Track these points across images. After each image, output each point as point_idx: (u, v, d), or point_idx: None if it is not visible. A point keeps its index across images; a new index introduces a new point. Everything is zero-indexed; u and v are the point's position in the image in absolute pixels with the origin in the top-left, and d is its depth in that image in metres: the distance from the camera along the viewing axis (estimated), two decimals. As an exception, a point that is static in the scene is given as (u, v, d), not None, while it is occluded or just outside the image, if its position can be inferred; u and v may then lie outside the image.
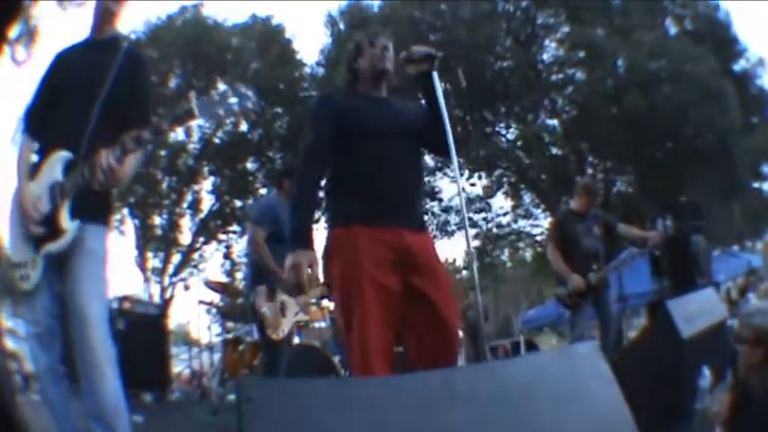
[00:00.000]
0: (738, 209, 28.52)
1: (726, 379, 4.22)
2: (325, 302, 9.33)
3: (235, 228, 32.23)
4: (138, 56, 4.16)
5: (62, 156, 3.72)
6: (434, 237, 31.14)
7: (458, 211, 31.96)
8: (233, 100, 3.48)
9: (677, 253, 10.63)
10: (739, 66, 28.83)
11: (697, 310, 5.40)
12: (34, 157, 3.91)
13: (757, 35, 70.01)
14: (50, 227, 3.66)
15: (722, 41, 27.87)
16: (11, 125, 4.18)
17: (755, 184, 29.82)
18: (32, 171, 3.83)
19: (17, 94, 4.10)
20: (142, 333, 7.98)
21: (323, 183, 4.21)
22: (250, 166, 32.17)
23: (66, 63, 4.02)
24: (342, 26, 30.31)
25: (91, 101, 3.75)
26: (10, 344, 6.11)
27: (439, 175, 31.59)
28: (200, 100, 3.50)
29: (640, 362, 4.76)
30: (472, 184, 30.68)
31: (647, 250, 9.46)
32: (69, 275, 3.70)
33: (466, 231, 4.86)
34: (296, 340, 8.16)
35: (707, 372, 4.48)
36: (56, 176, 3.70)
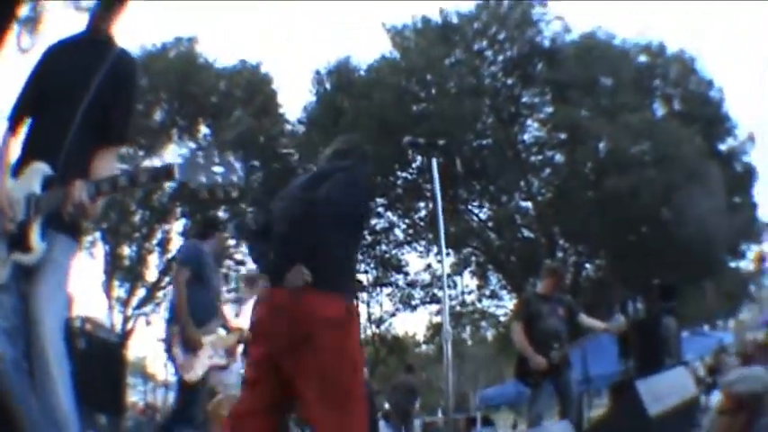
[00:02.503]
0: (711, 289, 28.70)
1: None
2: None
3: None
4: (129, 63, 4.01)
5: (42, 169, 3.61)
6: (397, 309, 31.26)
7: (423, 286, 32.12)
8: (218, 169, 3.34)
9: (646, 335, 10.66)
10: (726, 144, 29.22)
11: (667, 389, 5.39)
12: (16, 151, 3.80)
13: (749, 108, 71.89)
14: (22, 236, 3.54)
15: (712, 120, 28.29)
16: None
17: (733, 263, 30.13)
18: (14, 170, 3.72)
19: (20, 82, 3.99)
20: (101, 357, 7.90)
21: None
22: (221, 214, 32.07)
23: (55, 59, 3.91)
24: (328, 86, 30.52)
25: (74, 106, 3.67)
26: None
27: (407, 248, 31.71)
28: (183, 162, 3.40)
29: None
30: (439, 261, 30.63)
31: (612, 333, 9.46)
32: (32, 283, 3.58)
33: (445, 310, 4.99)
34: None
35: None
36: (34, 188, 3.59)
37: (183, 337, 6.78)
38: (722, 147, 28.99)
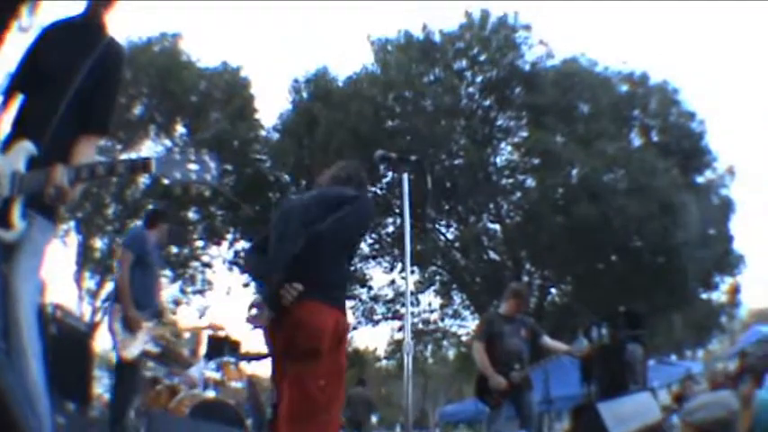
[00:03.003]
0: (680, 319, 28.92)
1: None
2: (243, 364, 9.45)
3: (167, 273, 31.88)
4: (117, 53, 4.06)
5: (27, 148, 3.65)
6: (359, 323, 31.23)
7: (386, 302, 32.10)
8: (193, 167, 3.44)
9: (608, 360, 10.75)
10: (704, 177, 29.50)
11: (630, 412, 5.46)
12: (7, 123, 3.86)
13: (731, 141, 73.03)
14: (3, 212, 3.57)
15: (691, 152, 28.54)
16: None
17: (704, 295, 30.31)
18: (4, 146, 3.75)
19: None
20: (71, 344, 7.90)
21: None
22: (191, 215, 31.93)
23: (49, 40, 3.96)
24: (305, 95, 30.47)
25: (62, 90, 3.72)
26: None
27: (372, 263, 31.69)
28: (160, 157, 3.51)
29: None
30: (403, 277, 30.62)
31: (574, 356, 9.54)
32: (9, 260, 3.61)
33: (407, 323, 5.06)
34: (211, 394, 8.29)
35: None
36: (19, 166, 3.62)
37: (123, 315, 7.12)
38: (700, 179, 29.32)
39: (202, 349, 10.56)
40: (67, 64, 3.78)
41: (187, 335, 11.03)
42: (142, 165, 3.55)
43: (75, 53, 3.81)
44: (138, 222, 13.32)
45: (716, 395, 5.32)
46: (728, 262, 29.19)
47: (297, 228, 4.32)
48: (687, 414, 4.24)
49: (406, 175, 4.73)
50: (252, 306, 4.41)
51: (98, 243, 32.04)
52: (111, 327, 7.25)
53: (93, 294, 31.40)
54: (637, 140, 29.04)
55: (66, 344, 7.67)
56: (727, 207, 29.20)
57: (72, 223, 30.03)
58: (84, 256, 30.77)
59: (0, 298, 3.62)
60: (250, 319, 4.39)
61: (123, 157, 30.01)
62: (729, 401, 4.40)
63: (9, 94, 3.91)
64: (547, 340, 8.95)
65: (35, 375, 3.54)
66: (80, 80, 3.74)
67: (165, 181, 3.55)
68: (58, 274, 29.21)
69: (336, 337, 4.39)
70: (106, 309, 29.99)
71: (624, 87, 29.38)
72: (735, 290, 29.76)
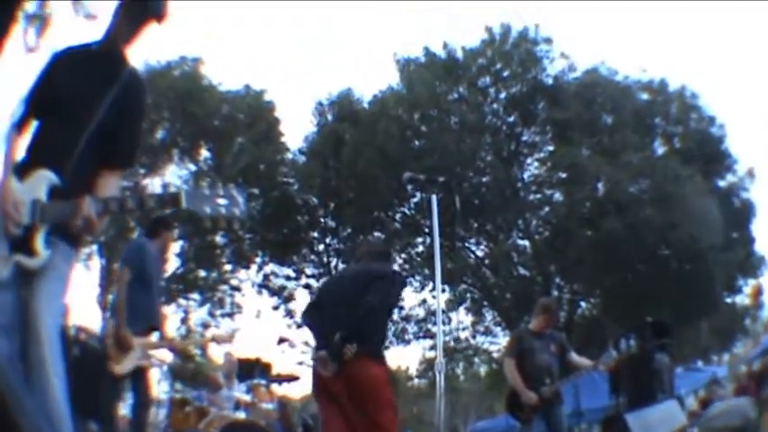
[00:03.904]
0: (706, 326, 28.66)
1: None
2: (274, 386, 9.51)
3: (195, 296, 31.97)
4: (140, 84, 4.03)
5: (49, 177, 3.63)
6: (390, 343, 31.18)
7: (417, 321, 32.05)
8: (222, 201, 3.48)
9: (637, 370, 10.70)
10: (726, 181, 29.31)
11: (657, 420, 5.45)
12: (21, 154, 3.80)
13: (750, 144, 72.24)
14: (25, 240, 3.57)
15: (712, 157, 28.40)
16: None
17: (728, 299, 30.00)
18: (19, 171, 3.71)
19: (25, 80, 4.00)
20: (94, 365, 7.95)
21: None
22: (219, 239, 31.97)
23: (67, 67, 3.90)
24: (329, 117, 30.60)
25: (83, 122, 3.69)
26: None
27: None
28: (189, 191, 3.53)
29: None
30: (434, 297, 30.55)
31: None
32: (32, 286, 3.60)
33: (439, 341, 5.13)
34: (241, 416, 8.52)
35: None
36: (39, 194, 3.60)
37: (115, 333, 7.10)
38: (722, 183, 29.10)
39: (235, 373, 10.65)
40: (88, 94, 3.74)
41: (221, 360, 11.12)
42: (172, 199, 3.54)
43: (97, 84, 3.77)
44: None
45: (732, 403, 5.31)
46: (751, 264, 29.06)
47: (372, 307, 5.39)
48: (707, 420, 4.25)
49: (434, 197, 4.79)
50: (319, 358, 5.56)
51: (122, 267, 32.09)
52: (105, 340, 7.32)
53: (118, 317, 31.45)
54: (660, 149, 28.92)
55: (89, 365, 7.75)
56: (748, 210, 29.04)
57: (95, 247, 30.07)
58: (108, 280, 30.88)
59: (19, 322, 3.66)
60: (319, 365, 5.53)
61: (147, 181, 30.34)
62: (746, 409, 4.40)
63: (24, 119, 3.86)
64: (574, 356, 8.94)
65: (57, 395, 3.53)
66: (101, 116, 3.70)
67: (195, 212, 3.57)
68: (82, 296, 29.37)
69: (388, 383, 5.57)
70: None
71: (644, 96, 29.26)
72: (758, 292, 29.53)
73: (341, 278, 6.28)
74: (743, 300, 30.70)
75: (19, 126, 3.86)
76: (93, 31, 4.01)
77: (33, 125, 3.86)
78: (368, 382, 5.44)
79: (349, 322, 5.44)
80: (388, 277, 5.72)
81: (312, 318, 6.07)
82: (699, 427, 4.78)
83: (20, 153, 3.81)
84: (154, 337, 7.52)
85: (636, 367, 10.69)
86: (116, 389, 7.43)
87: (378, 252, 6.32)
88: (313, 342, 5.93)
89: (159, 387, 11.60)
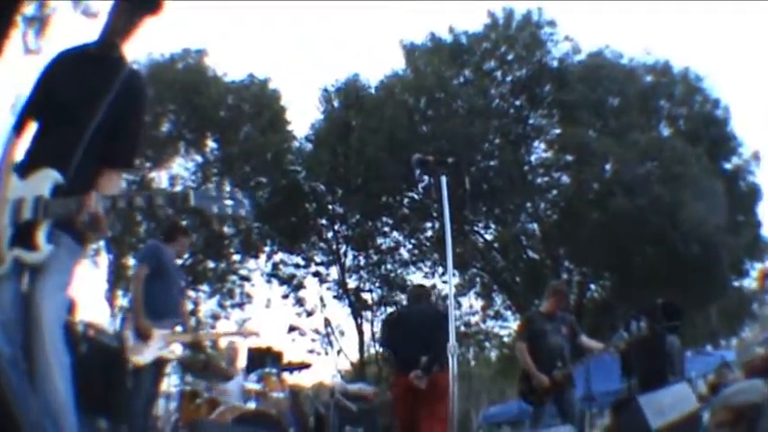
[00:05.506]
0: (715, 310, 28.62)
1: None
2: (285, 374, 9.53)
3: (204, 288, 32.01)
4: (139, 83, 4.03)
5: (54, 176, 3.64)
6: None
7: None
8: (228, 202, 3.55)
9: (648, 352, 10.69)
10: (731, 163, 29.23)
11: (669, 403, 5.43)
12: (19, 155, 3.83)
13: (755, 126, 71.74)
14: (27, 236, 3.58)
15: (717, 139, 28.35)
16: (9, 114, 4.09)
17: (736, 283, 29.91)
18: (20, 171, 3.74)
19: (24, 82, 3.99)
20: (103, 361, 7.98)
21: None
22: (227, 230, 31.95)
23: (65, 69, 3.92)
24: (336, 103, 30.57)
25: (82, 123, 3.70)
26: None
27: (412, 269, 31.65)
28: (197, 191, 3.58)
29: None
30: (444, 281, 30.51)
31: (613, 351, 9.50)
32: (34, 281, 3.62)
33: (451, 325, 5.10)
34: (251, 406, 8.36)
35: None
36: (43, 192, 3.61)
37: (135, 325, 7.20)
38: (727, 165, 29.02)
39: (240, 361, 10.65)
40: (88, 97, 3.74)
41: (223, 346, 11.12)
42: (181, 197, 3.61)
43: (96, 86, 3.77)
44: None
45: (751, 382, 5.31)
46: (758, 247, 29.06)
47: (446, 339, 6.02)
48: (726, 397, 4.26)
49: (444, 178, 4.72)
50: (415, 376, 7.65)
51: (130, 261, 31.96)
52: (122, 333, 7.43)
53: (126, 312, 31.49)
54: (665, 130, 28.78)
55: (99, 361, 7.77)
56: (754, 193, 29.01)
57: (102, 243, 30.06)
58: (116, 275, 30.90)
59: (21, 317, 3.65)
60: (415, 380, 7.65)
61: (153, 174, 30.35)
62: (762, 388, 4.42)
63: (23, 120, 3.88)
64: (584, 339, 8.94)
65: (60, 391, 3.55)
66: (101, 117, 3.71)
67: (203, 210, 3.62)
68: (91, 293, 29.69)
69: None
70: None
71: (648, 78, 29.13)
72: (765, 276, 29.41)
73: (418, 314, 8.39)
74: (750, 283, 30.57)
75: (18, 128, 3.88)
76: (92, 30, 3.99)
77: (33, 128, 3.87)
78: (442, 388, 6.54)
79: (433, 350, 7.49)
80: (445, 316, 6.36)
81: (397, 344, 8.31)
82: (717, 405, 4.79)
83: (19, 154, 3.83)
84: (177, 329, 7.58)
85: (647, 349, 10.66)
86: (135, 382, 7.42)
87: (426, 294, 9.53)
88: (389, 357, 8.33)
89: (170, 380, 11.64)
